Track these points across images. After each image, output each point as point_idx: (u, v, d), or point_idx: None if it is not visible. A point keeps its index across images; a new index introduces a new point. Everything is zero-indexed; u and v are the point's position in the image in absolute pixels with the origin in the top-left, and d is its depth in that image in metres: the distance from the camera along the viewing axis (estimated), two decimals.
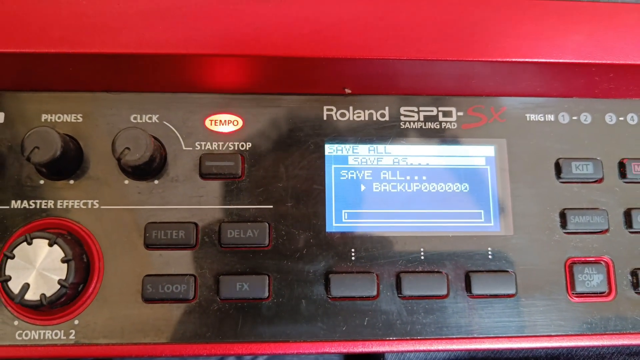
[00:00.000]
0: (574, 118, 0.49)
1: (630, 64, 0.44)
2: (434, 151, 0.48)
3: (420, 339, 0.44)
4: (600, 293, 0.46)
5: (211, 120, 0.47)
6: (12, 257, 0.40)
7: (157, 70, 0.44)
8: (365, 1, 0.43)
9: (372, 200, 0.47)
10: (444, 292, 0.45)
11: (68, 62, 0.42)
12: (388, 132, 0.48)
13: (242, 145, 0.47)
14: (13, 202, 0.44)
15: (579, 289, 0.46)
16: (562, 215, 0.47)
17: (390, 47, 0.42)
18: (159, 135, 0.46)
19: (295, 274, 0.45)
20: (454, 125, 0.48)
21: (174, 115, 0.47)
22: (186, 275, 0.44)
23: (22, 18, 0.41)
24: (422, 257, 0.46)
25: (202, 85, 0.46)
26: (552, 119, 0.49)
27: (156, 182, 0.45)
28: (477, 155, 0.48)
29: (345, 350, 0.44)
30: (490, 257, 0.46)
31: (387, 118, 0.48)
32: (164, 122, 0.46)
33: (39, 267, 0.40)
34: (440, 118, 0.48)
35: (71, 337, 0.43)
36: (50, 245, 0.41)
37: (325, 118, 0.48)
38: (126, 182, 0.45)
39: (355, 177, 0.47)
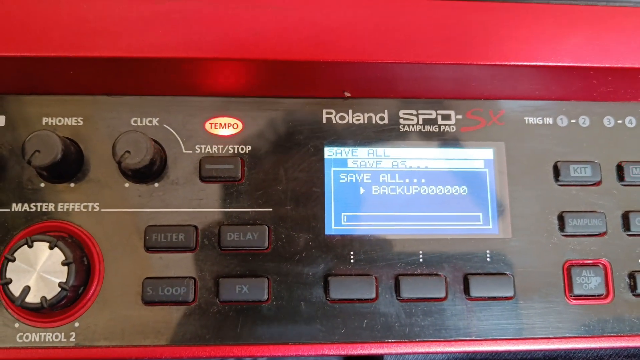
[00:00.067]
0: (573, 121, 0.49)
1: (629, 67, 0.44)
2: (433, 154, 0.48)
3: (418, 341, 0.45)
4: (598, 295, 0.46)
5: (211, 124, 0.47)
6: (13, 260, 0.41)
7: (158, 73, 0.44)
8: (364, 5, 0.43)
9: (371, 203, 0.47)
10: (443, 295, 0.45)
11: (69, 65, 0.42)
12: (387, 135, 0.48)
13: (242, 149, 0.47)
14: (14, 204, 0.44)
15: (576, 291, 0.46)
16: (560, 218, 0.47)
17: (389, 51, 0.43)
18: (159, 139, 0.46)
19: (295, 277, 0.45)
20: (452, 128, 0.49)
21: (174, 119, 0.47)
22: (186, 277, 0.44)
23: (23, 22, 0.41)
24: (421, 260, 0.46)
25: (202, 88, 0.47)
26: (551, 122, 0.49)
27: (156, 185, 0.46)
28: (476, 158, 0.48)
29: (344, 352, 0.44)
30: (488, 259, 0.46)
31: (386, 121, 0.48)
32: (164, 126, 0.47)
33: (40, 269, 0.41)
34: (439, 121, 0.49)
35: (72, 339, 0.43)
36: (51, 248, 0.41)
37: (324, 121, 0.48)
38: (126, 185, 0.45)
39: (354, 180, 0.47)
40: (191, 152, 0.46)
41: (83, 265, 0.43)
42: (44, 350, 0.43)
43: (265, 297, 0.44)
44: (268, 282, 0.44)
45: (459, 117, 0.49)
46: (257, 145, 0.47)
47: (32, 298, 0.40)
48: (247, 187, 0.46)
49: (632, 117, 0.50)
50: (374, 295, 0.45)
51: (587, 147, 0.49)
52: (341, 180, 0.47)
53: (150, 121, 0.47)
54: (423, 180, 0.48)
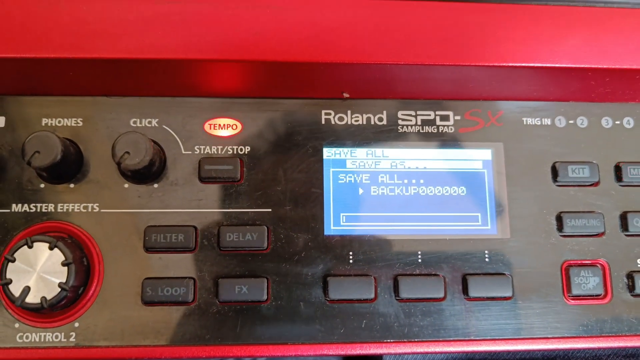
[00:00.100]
0: (571, 122, 0.50)
1: (626, 69, 0.45)
2: (432, 155, 0.48)
3: (417, 341, 0.45)
4: (596, 296, 0.47)
5: (210, 124, 0.47)
6: (13, 261, 0.41)
7: (157, 74, 0.44)
8: (363, 7, 0.43)
9: (370, 204, 0.47)
10: (441, 295, 0.45)
11: (69, 67, 0.42)
12: (386, 135, 0.48)
13: (241, 149, 0.47)
14: (14, 205, 0.45)
15: (575, 291, 0.46)
16: (559, 219, 0.48)
17: (388, 52, 0.43)
18: (158, 139, 0.46)
19: (294, 277, 0.45)
20: (451, 129, 0.49)
21: (174, 120, 0.47)
22: (185, 278, 0.44)
23: (23, 23, 0.41)
24: (420, 260, 0.46)
25: (201, 89, 0.47)
26: (549, 123, 0.49)
27: (156, 185, 0.46)
28: (475, 158, 0.48)
29: (343, 352, 0.44)
30: (487, 259, 0.46)
31: (384, 122, 0.48)
32: (164, 126, 0.47)
33: (40, 270, 0.41)
34: (438, 122, 0.49)
35: (71, 339, 0.43)
36: (51, 248, 0.41)
37: (323, 122, 0.48)
38: (126, 185, 0.46)
39: (353, 181, 0.47)
40: (190, 152, 0.46)
41: (83, 266, 0.43)
42: (44, 350, 0.43)
43: (265, 297, 0.44)
44: (267, 283, 0.45)
45: (458, 117, 0.49)
46: (256, 146, 0.47)
47: (32, 298, 0.40)
48: (247, 188, 0.46)
49: (630, 117, 0.50)
50: (373, 296, 0.45)
51: (585, 147, 0.49)
52: (340, 181, 0.47)
53: (150, 122, 0.47)
54: (422, 181, 0.48)
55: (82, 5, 0.42)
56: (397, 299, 0.45)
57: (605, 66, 0.44)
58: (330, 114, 0.48)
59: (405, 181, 0.48)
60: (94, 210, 0.45)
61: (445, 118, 0.49)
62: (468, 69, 0.44)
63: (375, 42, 0.43)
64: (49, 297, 0.40)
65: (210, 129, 0.47)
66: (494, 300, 0.46)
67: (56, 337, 0.43)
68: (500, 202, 0.48)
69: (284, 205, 0.46)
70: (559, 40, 0.44)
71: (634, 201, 0.49)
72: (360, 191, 0.47)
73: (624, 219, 0.48)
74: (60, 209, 0.45)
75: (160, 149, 0.46)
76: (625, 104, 0.50)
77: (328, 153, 0.47)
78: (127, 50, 0.42)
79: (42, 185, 0.45)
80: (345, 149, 0.48)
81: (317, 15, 0.43)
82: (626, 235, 0.48)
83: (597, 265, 0.47)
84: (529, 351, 0.54)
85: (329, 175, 0.47)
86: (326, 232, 0.46)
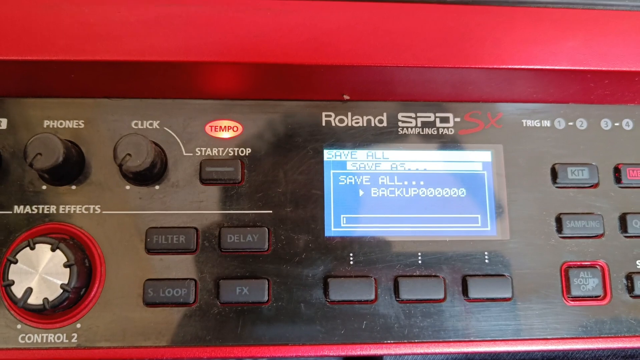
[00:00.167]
0: (570, 124, 0.50)
1: (625, 71, 0.45)
2: (432, 156, 0.48)
3: (417, 342, 0.45)
4: (596, 297, 0.47)
5: (211, 126, 0.47)
6: (15, 262, 0.41)
7: (158, 77, 0.44)
8: (363, 9, 0.44)
9: (371, 205, 0.47)
10: (441, 296, 0.45)
11: (70, 69, 0.43)
12: (386, 137, 0.48)
13: (242, 151, 0.47)
14: (16, 207, 0.45)
15: (574, 292, 0.46)
16: (558, 220, 0.48)
17: (388, 55, 0.43)
18: (159, 141, 0.46)
19: (295, 278, 0.45)
20: (451, 131, 0.49)
21: (175, 122, 0.47)
22: (187, 279, 0.44)
23: (25, 26, 0.41)
24: (420, 262, 0.46)
25: (202, 91, 0.47)
26: (548, 125, 0.50)
27: (157, 187, 0.46)
28: (474, 160, 0.49)
29: (343, 353, 0.45)
30: (487, 261, 0.47)
31: (385, 124, 0.49)
32: (165, 128, 0.47)
33: (42, 271, 0.41)
34: (438, 124, 0.49)
35: (73, 340, 0.43)
36: (53, 250, 0.41)
37: (324, 124, 0.48)
38: (127, 187, 0.46)
39: (353, 182, 0.48)
40: (191, 154, 0.47)
41: (85, 267, 0.43)
42: (46, 351, 0.43)
43: (265, 298, 0.44)
44: (268, 284, 0.45)
45: (457, 119, 0.49)
46: (257, 148, 0.47)
47: (34, 299, 0.40)
48: (247, 190, 0.46)
49: (629, 119, 0.50)
50: (373, 297, 0.45)
51: (585, 149, 0.49)
52: (340, 183, 0.47)
53: (151, 124, 0.47)
54: (422, 183, 0.48)
55: (83, 7, 0.42)
56: (397, 300, 0.45)
57: (604, 68, 0.45)
58: (330, 115, 0.48)
59: (406, 183, 0.48)
60: (96, 212, 0.45)
61: (445, 120, 0.49)
62: (468, 72, 0.44)
63: (375, 44, 0.43)
64: (51, 298, 0.40)
65: (211, 130, 0.47)
66: (494, 301, 0.46)
67: (58, 338, 0.43)
68: (500, 204, 0.48)
69: (284, 206, 0.46)
70: (558, 43, 0.44)
71: (633, 203, 0.49)
72: (361, 193, 0.47)
73: (623, 220, 0.48)
74: (62, 210, 0.45)
75: (162, 151, 0.46)
76: (624, 105, 0.51)
77: (328, 155, 0.48)
78: (128, 53, 0.42)
79: (44, 187, 0.45)
80: (346, 151, 0.48)
81: (317, 17, 0.43)
82: (625, 236, 0.48)
83: (597, 266, 0.47)
84: (528, 352, 0.54)
85: (330, 177, 0.47)
86: (327, 234, 0.46)
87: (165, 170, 0.46)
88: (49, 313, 0.42)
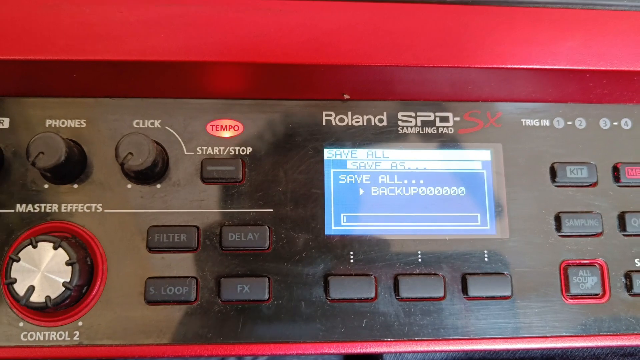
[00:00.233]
0: (569, 123, 0.50)
1: (624, 70, 0.45)
2: (431, 155, 0.49)
3: (417, 340, 0.45)
4: (595, 295, 0.47)
5: (212, 126, 0.48)
6: (18, 260, 0.41)
7: (159, 76, 0.45)
8: (363, 9, 0.44)
9: (371, 204, 0.47)
10: (441, 294, 0.46)
11: (72, 68, 0.43)
12: (386, 136, 0.49)
13: (243, 150, 0.47)
14: (18, 206, 0.45)
15: (573, 291, 0.47)
16: (557, 219, 0.48)
17: (388, 54, 0.43)
18: (161, 140, 0.47)
19: (295, 277, 0.45)
20: (450, 130, 0.49)
21: (176, 121, 0.47)
22: (188, 277, 0.45)
23: (27, 26, 0.42)
24: (420, 260, 0.46)
25: (203, 91, 0.47)
26: (547, 124, 0.50)
27: (158, 186, 0.46)
28: (474, 159, 0.49)
29: (344, 351, 0.45)
30: (486, 259, 0.47)
31: (385, 123, 0.49)
32: (166, 128, 0.47)
33: (44, 269, 0.41)
34: (437, 123, 0.49)
35: (75, 338, 0.43)
36: (55, 248, 0.41)
37: (324, 123, 0.48)
38: (129, 186, 0.46)
39: (353, 181, 0.48)
40: (193, 153, 0.47)
41: (86, 265, 0.43)
42: (48, 349, 0.43)
43: (266, 296, 0.45)
44: (269, 282, 0.45)
45: (457, 119, 0.49)
46: (258, 147, 0.48)
47: (36, 297, 0.41)
48: (248, 188, 0.47)
49: (627, 118, 0.51)
50: (373, 295, 0.45)
51: (584, 148, 0.50)
52: (341, 182, 0.48)
53: (152, 123, 0.47)
54: (422, 182, 0.48)
55: (85, 7, 0.42)
56: (397, 299, 0.46)
57: (603, 68, 0.45)
58: (330, 115, 0.49)
59: (405, 182, 0.48)
60: (98, 211, 0.45)
61: (444, 119, 0.49)
62: (467, 71, 0.44)
63: (375, 44, 0.43)
64: (53, 296, 0.41)
65: (212, 130, 0.47)
66: (493, 299, 0.46)
67: (60, 335, 0.43)
68: (500, 203, 0.48)
69: (285, 205, 0.47)
70: (558, 43, 0.45)
71: (631, 201, 0.49)
72: (361, 191, 0.48)
73: (621, 219, 0.48)
74: (64, 209, 0.45)
75: (163, 150, 0.46)
76: (623, 105, 0.51)
77: (329, 154, 0.48)
78: (129, 53, 0.42)
79: (46, 186, 0.45)
80: (346, 150, 0.48)
81: (317, 17, 0.43)
82: (624, 235, 0.48)
83: (596, 264, 0.48)
84: (527, 350, 0.54)
85: (330, 176, 0.48)
86: (327, 232, 0.46)
87: (166, 169, 0.46)
88: (51, 311, 0.43)
